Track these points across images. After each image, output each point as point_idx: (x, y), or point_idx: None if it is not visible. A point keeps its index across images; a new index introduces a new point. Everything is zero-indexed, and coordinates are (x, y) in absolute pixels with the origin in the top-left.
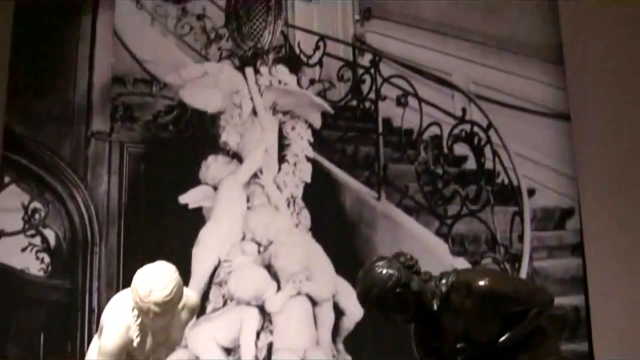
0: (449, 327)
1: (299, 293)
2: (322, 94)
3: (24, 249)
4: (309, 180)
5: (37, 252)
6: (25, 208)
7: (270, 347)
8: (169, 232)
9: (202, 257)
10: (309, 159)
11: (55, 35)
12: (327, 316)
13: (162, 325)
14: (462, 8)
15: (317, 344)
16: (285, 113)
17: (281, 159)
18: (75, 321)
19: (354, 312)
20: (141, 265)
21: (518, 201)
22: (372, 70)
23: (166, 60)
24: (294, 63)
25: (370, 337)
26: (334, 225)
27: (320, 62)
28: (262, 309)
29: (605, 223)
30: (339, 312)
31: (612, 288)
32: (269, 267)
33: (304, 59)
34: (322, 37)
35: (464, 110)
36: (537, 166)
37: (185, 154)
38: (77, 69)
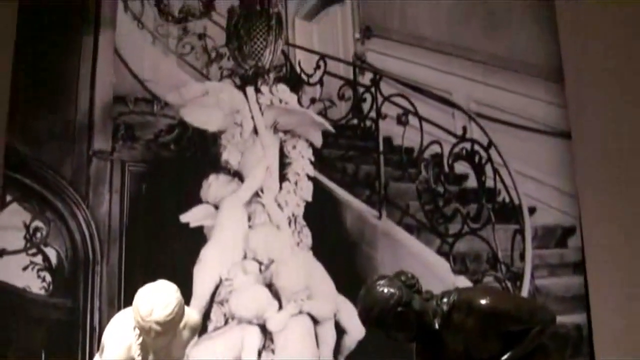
0: (451, 346)
1: (300, 312)
2: (322, 113)
3: (25, 268)
4: (310, 199)
5: (38, 270)
6: (27, 227)
7: None
8: (170, 251)
9: (204, 276)
10: (310, 178)
11: (57, 54)
12: (328, 335)
13: (164, 344)
14: (462, 27)
15: None
16: (286, 132)
17: (282, 178)
18: (76, 340)
19: (356, 330)
20: (142, 284)
21: (519, 219)
22: (373, 89)
23: (167, 79)
24: (295, 82)
25: (371, 355)
26: (335, 244)
27: (320, 81)
28: (263, 328)
29: (607, 241)
30: (340, 331)
31: (614, 306)
32: (270, 286)
33: (305, 77)
34: (323, 56)
35: (464, 128)
36: (538, 184)
37: (186, 173)
38: (79, 88)
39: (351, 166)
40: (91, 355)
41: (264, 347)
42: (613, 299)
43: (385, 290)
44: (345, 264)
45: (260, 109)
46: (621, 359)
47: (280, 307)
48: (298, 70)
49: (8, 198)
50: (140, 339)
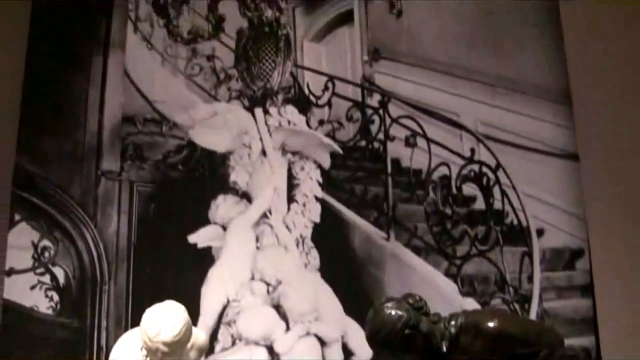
0: None
1: (307, 333)
2: (331, 135)
3: (33, 287)
4: (318, 220)
5: (46, 290)
6: (35, 246)
7: None
8: (178, 272)
9: (211, 297)
10: (318, 199)
11: (67, 75)
12: (336, 356)
13: None
14: (469, 49)
15: None
16: (294, 153)
17: (290, 199)
18: None
19: (363, 352)
20: (150, 305)
21: (527, 241)
22: (381, 111)
23: (176, 100)
24: (303, 103)
25: None
26: (343, 265)
27: (329, 103)
28: (270, 349)
29: (615, 263)
30: (347, 353)
31: (623, 329)
32: (277, 307)
33: (313, 99)
34: (331, 78)
35: (472, 150)
36: (546, 206)
37: (194, 194)
38: (88, 109)
39: (359, 187)
40: None
41: None
42: (621, 322)
43: (393, 312)
44: (353, 286)
45: (269, 130)
46: None
47: (288, 328)
48: (306, 91)
49: (17, 217)
50: (148, 359)
